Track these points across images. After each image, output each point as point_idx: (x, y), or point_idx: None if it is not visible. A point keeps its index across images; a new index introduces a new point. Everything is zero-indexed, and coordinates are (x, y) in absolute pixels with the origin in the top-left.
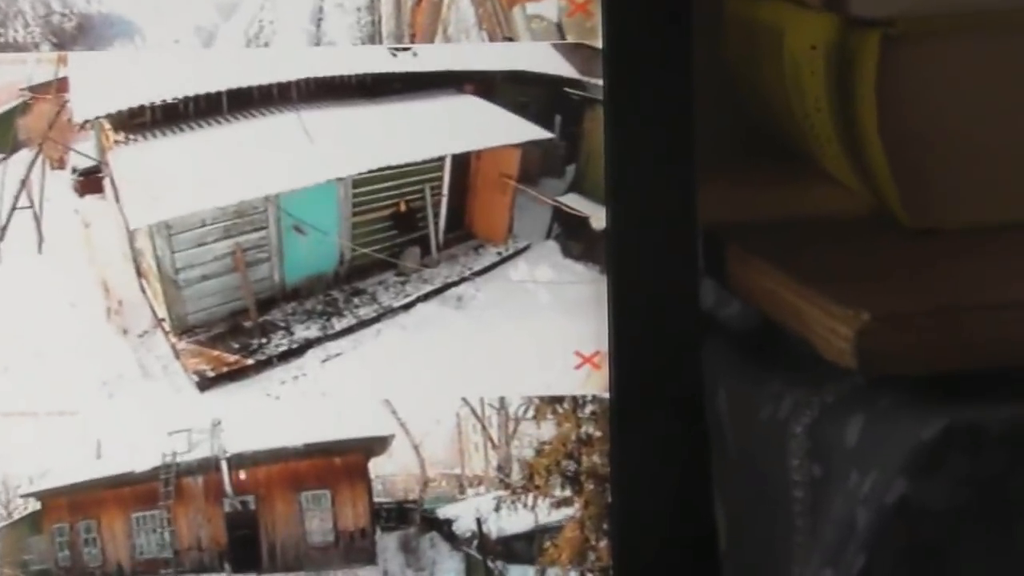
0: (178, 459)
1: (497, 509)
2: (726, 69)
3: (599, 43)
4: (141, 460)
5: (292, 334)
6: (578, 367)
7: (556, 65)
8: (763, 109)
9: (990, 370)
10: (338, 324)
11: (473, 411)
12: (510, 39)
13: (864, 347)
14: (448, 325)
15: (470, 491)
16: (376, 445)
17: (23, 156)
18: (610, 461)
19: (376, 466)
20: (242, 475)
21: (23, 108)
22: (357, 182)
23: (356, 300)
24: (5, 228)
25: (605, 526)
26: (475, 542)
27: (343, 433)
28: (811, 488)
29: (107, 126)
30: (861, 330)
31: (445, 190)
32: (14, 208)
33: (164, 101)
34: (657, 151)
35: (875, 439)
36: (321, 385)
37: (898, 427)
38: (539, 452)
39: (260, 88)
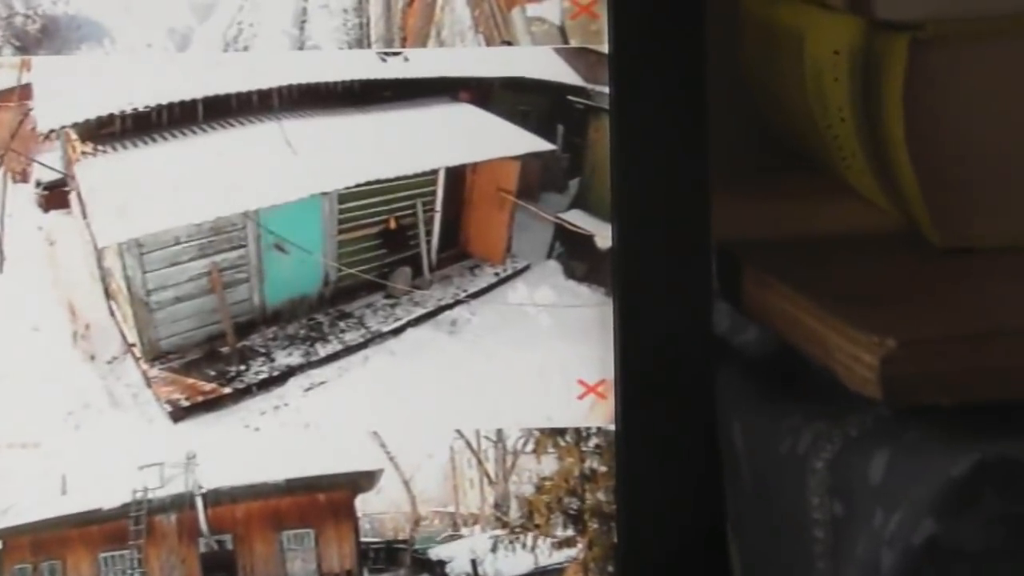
0: (149, 495)
1: (494, 550)
2: (742, 75)
3: (605, 47)
4: (109, 496)
5: (273, 361)
6: (581, 397)
7: (558, 71)
8: (782, 118)
9: None
10: (322, 350)
11: (468, 444)
12: (509, 43)
13: (889, 376)
14: (441, 351)
15: (465, 530)
16: (363, 480)
17: None
18: (616, 498)
19: (363, 503)
20: (219, 513)
21: None
22: (343, 197)
23: (342, 324)
24: None
25: (610, 569)
26: None
27: (328, 468)
28: (833, 528)
29: (74, 136)
30: (886, 357)
31: (438, 206)
32: None
33: (135, 109)
34: (667, 164)
35: (901, 475)
36: (304, 416)
37: (926, 462)
38: (539, 488)
39: (239, 95)
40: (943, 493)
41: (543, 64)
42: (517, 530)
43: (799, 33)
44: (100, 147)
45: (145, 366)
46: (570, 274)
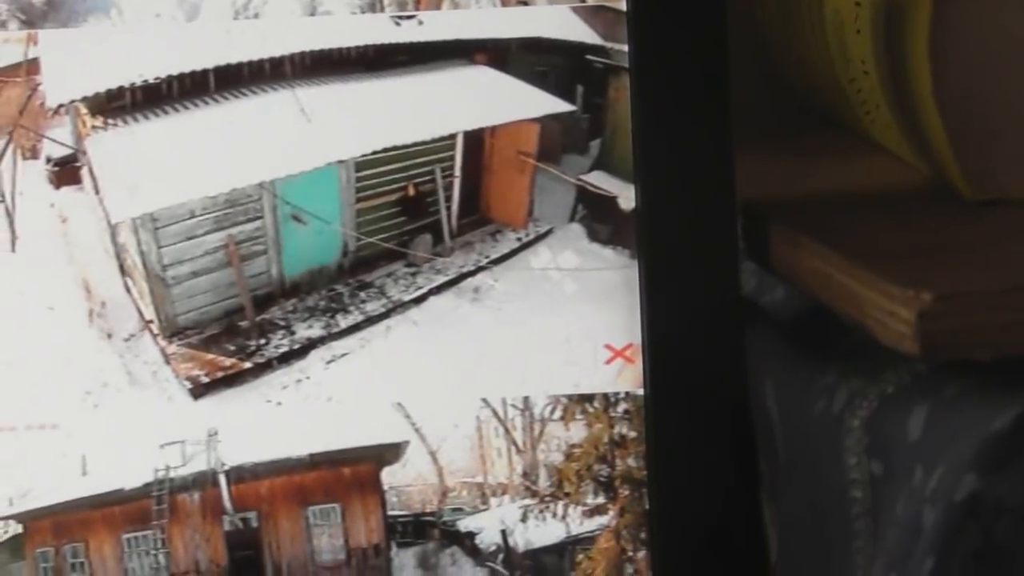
0: (171, 474)
1: (524, 520)
2: (762, 30)
3: (623, 4)
4: (131, 476)
5: (293, 334)
6: (609, 362)
7: (577, 30)
8: (802, 74)
9: None
10: (343, 321)
11: (495, 413)
12: (525, 3)
13: (926, 331)
14: (464, 319)
15: (493, 501)
16: (389, 453)
17: None
18: (646, 464)
19: (389, 476)
20: (243, 490)
21: None
22: (360, 165)
23: (362, 295)
24: None
25: (643, 535)
26: (500, 556)
27: (352, 441)
28: (871, 487)
29: (83, 110)
30: (923, 312)
31: (457, 171)
32: None
33: (145, 81)
34: (689, 122)
35: (941, 431)
36: (326, 389)
37: (966, 417)
38: (568, 456)
39: (251, 64)
40: (984, 448)
41: (560, 23)
42: (547, 499)
43: None
44: (111, 121)
45: (163, 343)
46: (594, 237)
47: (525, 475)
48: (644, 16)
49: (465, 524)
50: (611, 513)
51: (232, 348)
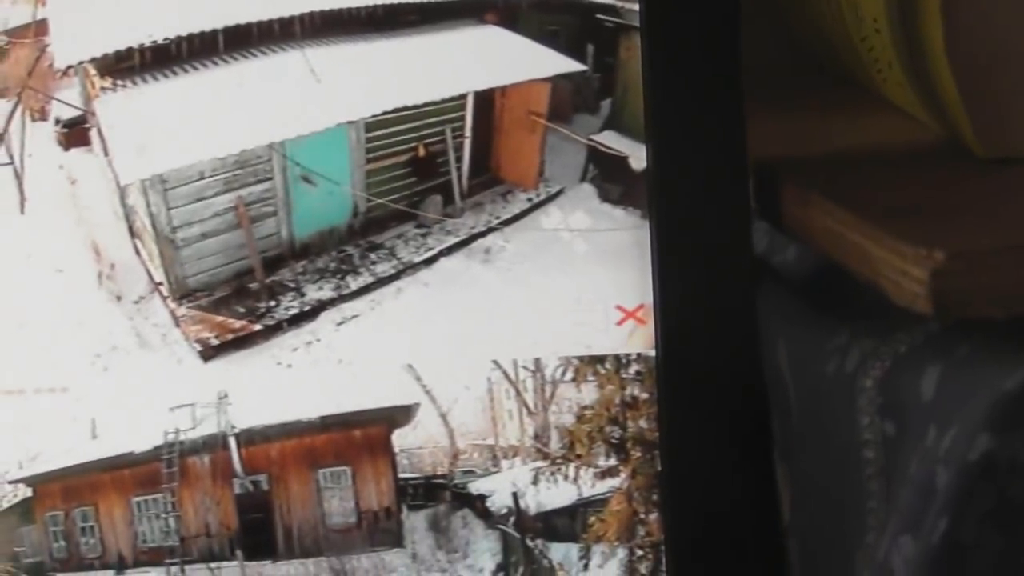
0: (181, 437)
1: (535, 482)
2: None
3: None
4: (141, 439)
5: (303, 295)
6: (620, 323)
7: None
8: (814, 32)
9: None
10: (354, 283)
11: (506, 375)
12: None
13: (939, 289)
14: (475, 280)
15: (505, 463)
16: (399, 415)
17: (1, 107)
18: (658, 425)
19: (400, 438)
20: (253, 453)
21: None
22: (370, 125)
23: (373, 256)
24: None
25: (655, 497)
26: (512, 519)
27: (363, 403)
28: (884, 448)
29: (92, 71)
30: (936, 271)
31: (468, 131)
32: None
33: (154, 42)
34: (701, 81)
35: (954, 391)
36: (337, 351)
37: (979, 377)
38: (580, 418)
39: (260, 24)
40: (998, 407)
41: None
42: (558, 461)
43: None
44: (119, 82)
45: (173, 305)
46: (605, 197)
47: (536, 437)
48: None
49: (476, 487)
50: (623, 475)
51: (242, 310)
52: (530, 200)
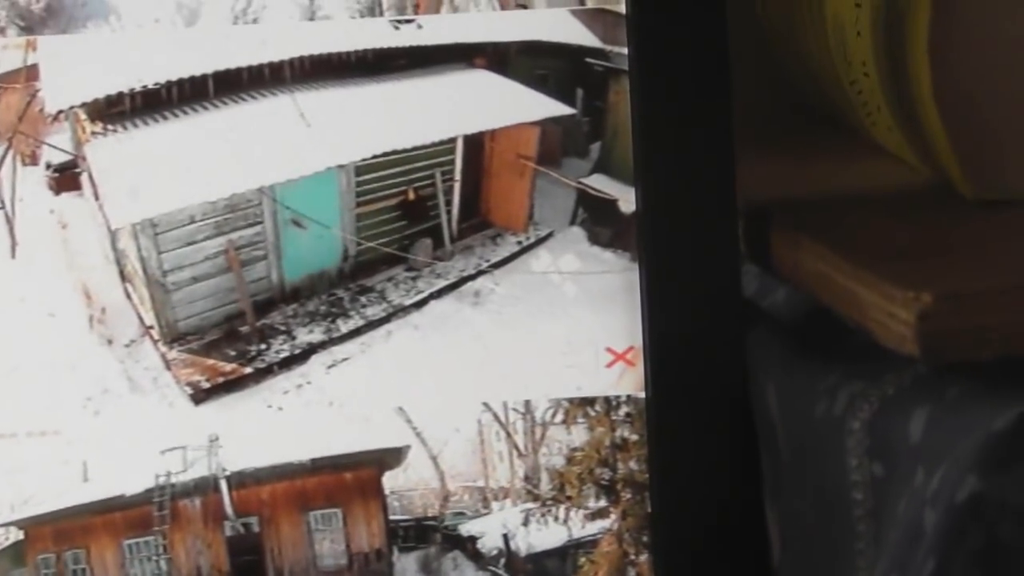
0: (173, 480)
1: (526, 524)
2: (763, 32)
3: (623, 7)
4: (132, 482)
5: (294, 339)
6: (610, 365)
7: (576, 33)
8: (805, 75)
9: None
10: (344, 326)
11: (496, 417)
12: (524, 6)
13: (927, 332)
14: (465, 323)
15: (495, 505)
16: (390, 458)
17: None
18: (648, 467)
19: (391, 480)
20: (244, 495)
21: None
22: (360, 169)
23: (363, 299)
24: None
25: (645, 538)
26: (502, 560)
27: (353, 446)
28: (873, 489)
29: (83, 116)
30: (923, 313)
31: (457, 175)
32: None
33: (144, 87)
34: (690, 124)
35: (942, 433)
36: (327, 394)
37: (967, 418)
38: (570, 460)
39: (250, 69)
40: (985, 448)
41: (560, 26)
42: (549, 503)
43: None
44: (110, 127)
45: (164, 348)
46: (594, 240)
47: (527, 479)
48: (644, 18)
49: (467, 528)
50: (613, 516)
51: (233, 353)
52: (520, 243)
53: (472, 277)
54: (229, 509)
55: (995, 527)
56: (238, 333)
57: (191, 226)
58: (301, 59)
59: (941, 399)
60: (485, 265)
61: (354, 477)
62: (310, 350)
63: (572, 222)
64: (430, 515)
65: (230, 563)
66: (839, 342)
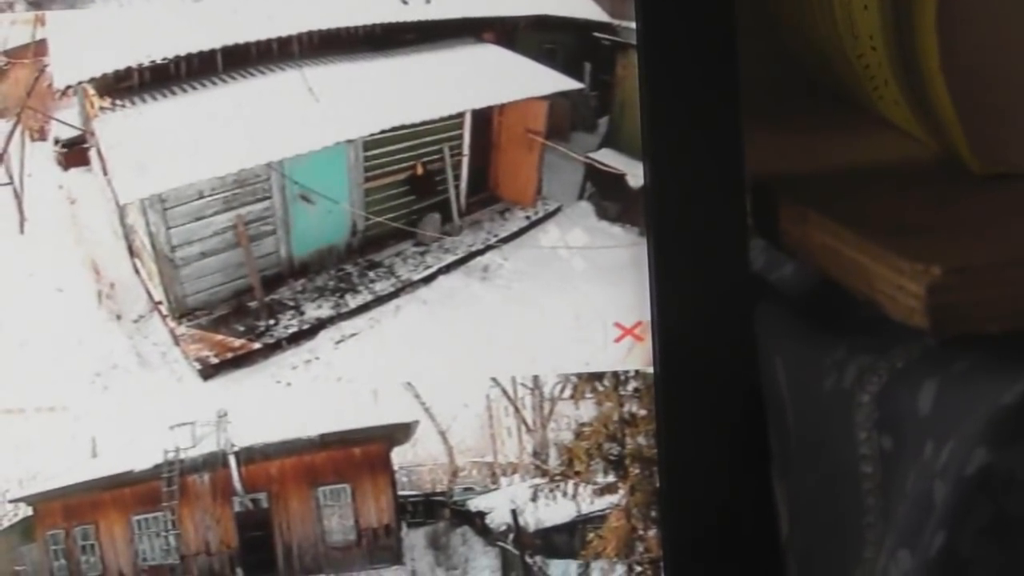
0: (181, 455)
1: (534, 499)
2: (770, 6)
3: None
4: (141, 458)
5: (302, 314)
6: (618, 340)
7: (584, 8)
8: (810, 50)
9: None
10: (352, 301)
11: (504, 392)
12: None
13: (936, 304)
14: (474, 298)
15: (504, 480)
16: (399, 433)
17: (0, 127)
18: (657, 442)
19: (399, 456)
20: (253, 471)
21: None
22: (369, 144)
23: (371, 274)
24: None
25: (654, 513)
26: (511, 536)
27: (362, 421)
28: (881, 463)
29: (91, 91)
30: (932, 286)
31: (466, 149)
32: None
33: (153, 62)
34: (698, 99)
35: (951, 406)
36: (336, 369)
37: (976, 391)
38: (578, 435)
39: (258, 44)
40: (994, 421)
41: (568, 1)
42: (557, 478)
43: None
44: (119, 102)
45: (172, 324)
46: (602, 215)
47: (535, 454)
48: None
49: (475, 504)
50: (621, 491)
51: (241, 329)
52: (528, 218)
53: (480, 252)
54: (238, 485)
55: (1004, 500)
56: (247, 308)
57: (200, 201)
58: (309, 34)
59: (950, 372)
60: (493, 240)
61: (363, 452)
62: (319, 325)
63: (580, 196)
64: (439, 490)
65: (239, 538)
66: (847, 316)
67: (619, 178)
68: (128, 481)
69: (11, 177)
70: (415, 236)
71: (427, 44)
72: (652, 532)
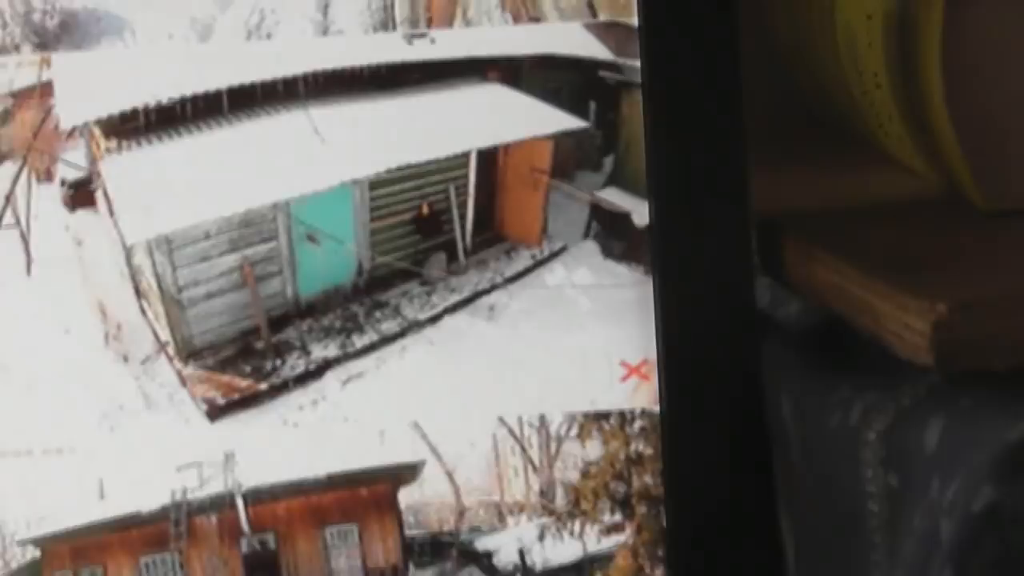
0: (189, 496)
1: (541, 538)
2: (774, 43)
3: (635, 20)
4: (148, 499)
5: (309, 354)
6: (624, 379)
7: (589, 46)
8: (815, 86)
9: None
10: (359, 341)
11: (511, 432)
12: (536, 20)
13: (941, 341)
14: (480, 338)
15: (511, 520)
16: (406, 473)
17: (7, 169)
18: (663, 481)
19: (406, 496)
20: (260, 511)
21: (4, 116)
22: (374, 184)
23: (378, 314)
24: None
25: (661, 552)
26: (518, 575)
27: (369, 461)
28: (888, 500)
29: (97, 132)
30: (937, 322)
31: (471, 189)
32: None
33: (159, 103)
34: (703, 137)
35: (957, 442)
36: (343, 409)
37: (983, 428)
38: (585, 474)
39: (264, 84)
40: (1001, 458)
41: (573, 40)
42: (564, 517)
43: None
44: (125, 142)
45: (179, 365)
46: (608, 253)
47: (542, 493)
48: (656, 31)
49: (482, 543)
50: (628, 531)
51: (248, 369)
52: (533, 257)
53: (486, 291)
54: (245, 525)
55: (1011, 536)
56: (253, 349)
57: (206, 242)
58: (315, 74)
59: (956, 409)
60: (499, 279)
61: (370, 492)
62: (325, 365)
63: (586, 235)
64: (446, 530)
65: None
66: (853, 353)
67: (624, 217)
68: (136, 522)
69: (18, 219)
70: (421, 276)
71: (432, 83)
72: (659, 571)
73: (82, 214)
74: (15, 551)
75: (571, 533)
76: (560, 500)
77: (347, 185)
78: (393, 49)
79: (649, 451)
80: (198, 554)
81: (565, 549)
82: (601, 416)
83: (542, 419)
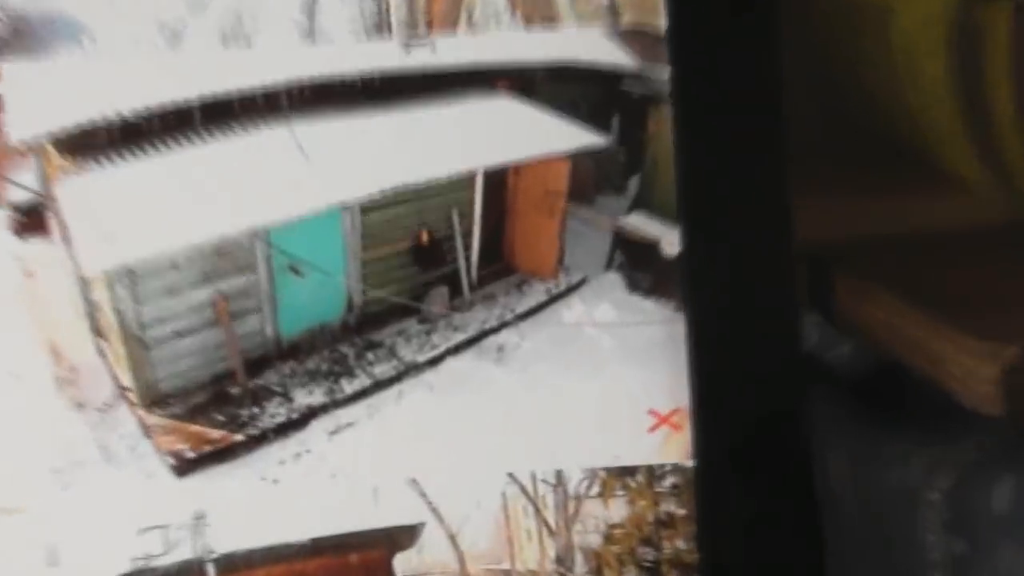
0: (153, 563)
1: None
2: (820, 55)
3: (662, 25)
4: (106, 566)
5: (291, 401)
6: (653, 429)
7: (610, 54)
8: (867, 102)
9: None
10: (349, 387)
11: (523, 489)
12: (551, 21)
13: (1011, 388)
14: (487, 383)
15: None
16: (402, 537)
17: None
18: (697, 546)
19: (403, 563)
20: None
21: None
22: (367, 209)
23: (370, 356)
24: None
25: None
26: None
27: (360, 523)
28: (953, 568)
29: (52, 150)
30: (1007, 367)
31: (477, 214)
32: None
33: (121, 117)
34: (740, 156)
35: None
36: (330, 464)
37: None
38: (608, 538)
39: (242, 97)
40: None
41: (592, 47)
42: None
43: (885, 5)
44: (82, 161)
45: (142, 413)
46: (633, 287)
47: (559, 560)
48: (687, 38)
49: None
50: None
51: (221, 418)
52: (548, 291)
53: (495, 330)
54: None
55: None
56: (227, 395)
57: (174, 273)
58: (299, 85)
59: None
60: (509, 316)
61: (361, 559)
62: (310, 414)
63: (608, 267)
64: None
65: None
66: (912, 401)
67: (651, 246)
68: None
69: None
70: (419, 313)
71: (433, 96)
72: None
73: (33, 242)
74: None
75: None
76: (580, 568)
77: (335, 210)
78: (388, 57)
79: (681, 512)
80: None
81: None
82: (626, 472)
83: (559, 475)
